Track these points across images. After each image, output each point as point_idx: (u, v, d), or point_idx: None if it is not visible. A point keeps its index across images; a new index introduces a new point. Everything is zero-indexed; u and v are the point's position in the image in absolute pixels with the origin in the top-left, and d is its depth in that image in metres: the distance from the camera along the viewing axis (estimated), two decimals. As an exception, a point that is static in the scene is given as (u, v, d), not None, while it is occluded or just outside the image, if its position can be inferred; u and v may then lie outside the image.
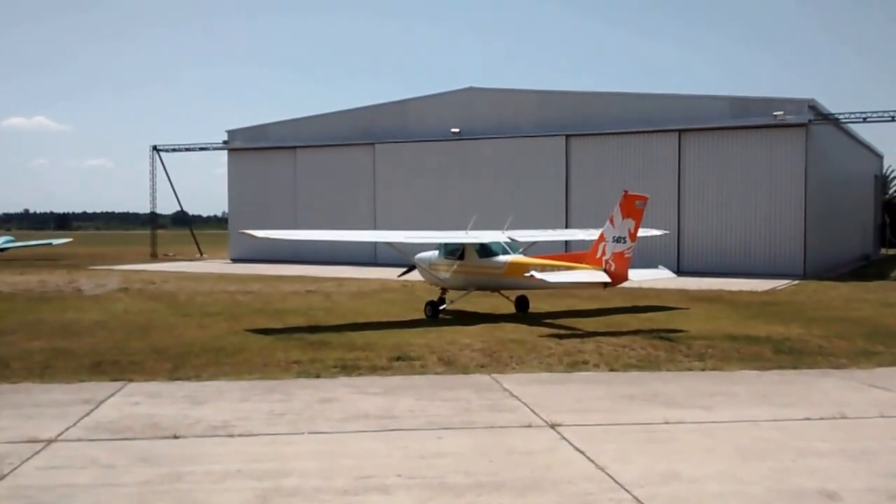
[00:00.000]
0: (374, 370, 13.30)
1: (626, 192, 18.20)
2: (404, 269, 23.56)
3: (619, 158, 37.82)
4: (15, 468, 8.09)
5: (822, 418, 10.23)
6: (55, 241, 57.25)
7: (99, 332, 17.68)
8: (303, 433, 9.48)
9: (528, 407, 10.74)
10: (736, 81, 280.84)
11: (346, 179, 44.82)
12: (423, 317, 20.33)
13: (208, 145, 50.92)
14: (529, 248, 21.90)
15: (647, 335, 17.03)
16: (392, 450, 8.77)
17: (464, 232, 21.61)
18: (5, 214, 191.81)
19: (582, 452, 8.67)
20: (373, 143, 44.11)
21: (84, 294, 27.03)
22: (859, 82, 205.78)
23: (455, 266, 20.77)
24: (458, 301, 21.11)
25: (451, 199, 39.82)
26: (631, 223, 17.74)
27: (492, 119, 40.92)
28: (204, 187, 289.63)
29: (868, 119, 35.61)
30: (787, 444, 9.03)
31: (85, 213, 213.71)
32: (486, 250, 20.67)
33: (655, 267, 20.84)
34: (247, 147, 48.22)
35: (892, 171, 76.08)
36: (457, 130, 41.46)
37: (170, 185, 55.27)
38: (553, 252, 22.47)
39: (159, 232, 58.87)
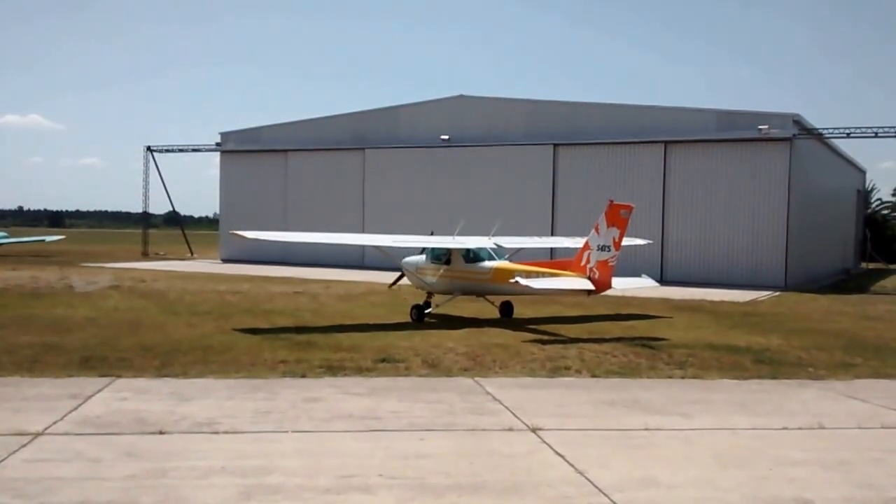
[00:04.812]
0: (359, 371, 13.41)
1: (611, 201, 18.37)
2: (396, 278, 23.40)
3: (605, 168, 38.12)
4: (2, 460, 8.16)
5: (799, 428, 10.37)
6: (48, 238, 57.21)
7: (89, 328, 17.72)
8: (287, 431, 9.60)
9: (509, 411, 10.85)
10: (723, 94, 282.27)
11: (336, 183, 44.96)
12: (409, 320, 20.43)
13: (201, 147, 51.12)
14: (515, 254, 22.09)
15: (629, 343, 17.19)
16: (375, 450, 8.87)
17: (451, 237, 21.77)
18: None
19: (562, 456, 8.78)
20: (363, 148, 44.30)
21: (75, 291, 27.03)
22: (843, 98, 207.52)
23: (441, 271, 20.91)
24: (443, 305, 21.24)
25: (439, 205, 39.97)
26: (616, 232, 17.93)
27: (481, 127, 41.16)
28: (196, 188, 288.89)
29: (852, 134, 36.03)
30: (764, 452, 9.16)
31: (78, 211, 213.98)
32: (472, 256, 20.84)
33: (639, 276, 21.02)
34: (239, 149, 48.34)
35: (874, 187, 76.97)
36: (446, 137, 41.66)
37: (162, 186, 55.48)
38: (538, 259, 22.65)
39: (151, 231, 58.82)
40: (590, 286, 18.18)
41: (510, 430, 9.91)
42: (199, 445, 8.90)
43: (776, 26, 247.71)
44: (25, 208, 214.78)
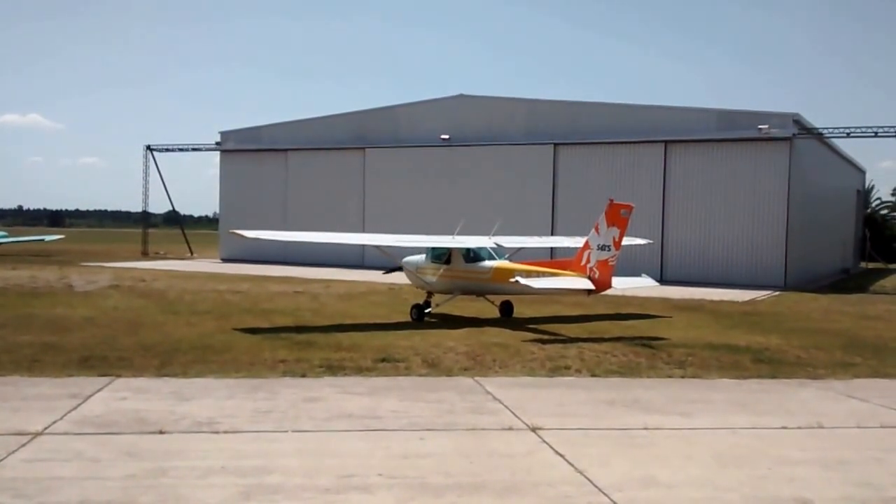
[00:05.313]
0: (360, 371, 13.41)
1: (611, 200, 18.38)
2: (389, 269, 23.71)
3: (605, 168, 38.14)
4: (1, 460, 8.15)
5: (799, 427, 10.38)
6: (47, 238, 57.25)
7: (88, 327, 17.72)
8: (286, 431, 9.60)
9: (509, 410, 10.86)
10: (723, 94, 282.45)
11: (336, 183, 44.97)
12: (409, 319, 20.43)
13: (201, 146, 51.13)
14: (515, 254, 22.10)
15: (629, 342, 17.20)
16: (375, 449, 8.87)
17: (451, 237, 21.77)
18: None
19: (562, 456, 8.78)
20: (363, 148, 44.32)
21: (75, 290, 27.03)
22: (843, 98, 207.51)
23: (441, 270, 20.91)
24: (443, 305, 21.25)
25: (440, 204, 39.98)
26: (616, 231, 17.93)
27: (481, 126, 41.17)
28: (196, 187, 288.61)
29: (851, 134, 36.02)
30: (763, 451, 9.17)
31: (78, 210, 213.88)
32: (472, 255, 20.85)
33: (639, 275, 21.03)
34: (239, 148, 48.35)
35: (874, 186, 77.05)
36: (447, 137, 41.66)
37: (162, 185, 55.52)
38: (538, 258, 22.65)
39: (151, 230, 58.89)
40: (590, 286, 18.18)
41: (510, 429, 9.92)
42: (198, 445, 8.89)
43: (776, 26, 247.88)
44: (25, 207, 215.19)
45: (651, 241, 29.31)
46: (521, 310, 22.08)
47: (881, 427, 10.63)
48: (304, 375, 12.94)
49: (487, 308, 21.85)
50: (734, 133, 35.60)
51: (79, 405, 10.51)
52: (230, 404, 10.79)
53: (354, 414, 10.46)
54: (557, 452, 8.92)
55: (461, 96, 42.30)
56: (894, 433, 10.38)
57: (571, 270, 18.64)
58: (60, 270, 35.95)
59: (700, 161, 36.63)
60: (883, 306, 28.05)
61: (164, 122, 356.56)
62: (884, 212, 77.41)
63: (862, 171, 60.72)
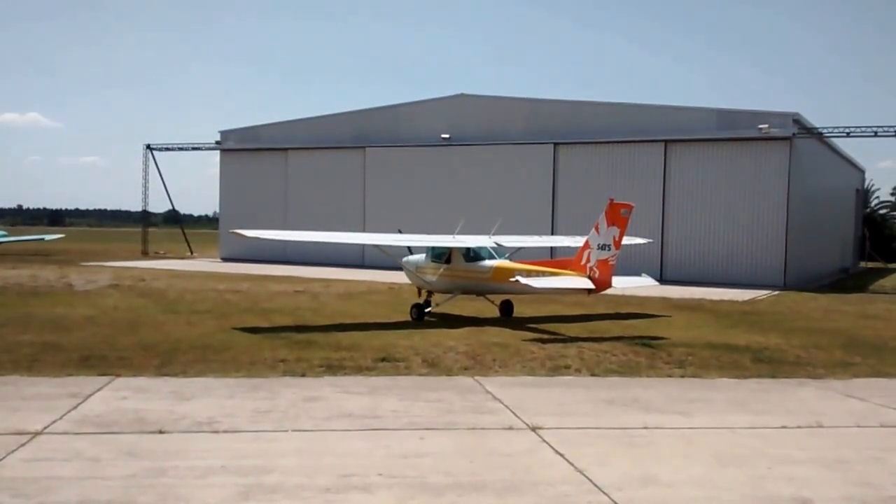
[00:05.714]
0: (359, 370, 13.41)
1: (611, 200, 18.38)
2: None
3: (605, 167, 38.12)
4: (1, 459, 8.15)
5: (798, 427, 10.38)
6: (47, 237, 57.22)
7: (88, 327, 17.72)
8: (286, 431, 9.60)
9: (509, 409, 10.86)
10: (723, 93, 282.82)
11: (336, 182, 44.94)
12: (409, 319, 20.43)
13: (201, 145, 51.06)
14: (515, 253, 22.10)
15: (629, 341, 17.20)
16: (374, 449, 8.87)
17: (451, 236, 21.77)
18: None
19: (562, 455, 8.79)
20: (363, 147, 44.28)
21: (74, 290, 27.02)
22: (843, 97, 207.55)
23: (441, 269, 20.91)
24: (443, 304, 21.24)
25: (440, 204, 39.97)
26: (616, 231, 17.94)
27: (482, 126, 41.13)
28: (196, 187, 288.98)
29: (851, 133, 35.98)
30: (763, 451, 9.18)
31: (77, 209, 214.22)
32: (472, 254, 20.85)
33: (639, 275, 21.02)
34: (239, 148, 48.31)
35: (874, 186, 77.11)
36: (447, 136, 41.65)
37: (162, 184, 55.51)
38: (539, 258, 22.66)
39: (151, 230, 58.82)
40: (590, 285, 18.18)
41: (510, 428, 9.92)
42: (198, 445, 8.90)
43: (776, 25, 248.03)
44: (25, 207, 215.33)
45: (651, 241, 29.32)
46: (521, 309, 22.07)
47: (880, 426, 10.63)
48: (304, 375, 12.94)
49: (487, 308, 21.85)
50: (734, 132, 35.58)
51: (78, 405, 10.52)
52: (230, 404, 10.79)
53: (354, 413, 10.46)
54: (557, 452, 8.93)
55: (461, 96, 42.27)
56: (894, 433, 10.39)
57: (571, 270, 18.64)
58: (60, 270, 35.98)
59: (700, 161, 36.61)
60: (882, 306, 28.06)
61: (164, 122, 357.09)
62: (883, 211, 77.49)
63: (861, 171, 60.71)
